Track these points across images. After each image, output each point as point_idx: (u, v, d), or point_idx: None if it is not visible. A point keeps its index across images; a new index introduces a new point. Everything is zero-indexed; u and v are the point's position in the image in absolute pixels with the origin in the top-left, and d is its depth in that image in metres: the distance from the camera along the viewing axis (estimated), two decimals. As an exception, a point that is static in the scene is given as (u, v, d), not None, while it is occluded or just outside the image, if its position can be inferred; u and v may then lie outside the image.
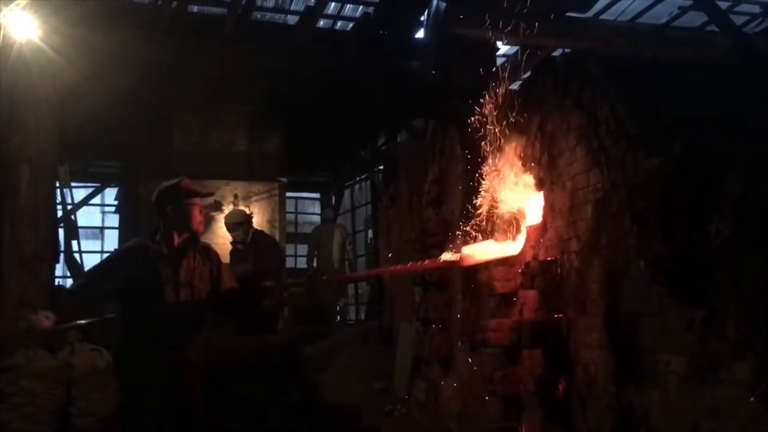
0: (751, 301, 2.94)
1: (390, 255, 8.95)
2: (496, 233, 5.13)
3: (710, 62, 7.35)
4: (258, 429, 6.00)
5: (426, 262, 5.77)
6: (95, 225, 15.11)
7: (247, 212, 8.31)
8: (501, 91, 5.17)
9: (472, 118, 5.64)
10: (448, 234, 6.69)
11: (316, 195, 16.02)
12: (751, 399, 2.88)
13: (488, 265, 5.28)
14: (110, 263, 4.12)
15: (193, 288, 3.94)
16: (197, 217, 4.04)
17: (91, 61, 6.59)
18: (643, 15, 8.80)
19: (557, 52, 8.13)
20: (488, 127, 5.31)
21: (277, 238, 10.42)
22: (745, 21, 8.71)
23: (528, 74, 5.58)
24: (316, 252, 11.87)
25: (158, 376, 3.80)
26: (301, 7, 8.61)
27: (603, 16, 8.90)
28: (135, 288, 3.84)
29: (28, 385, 5.53)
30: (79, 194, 12.20)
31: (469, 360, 5.97)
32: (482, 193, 5.23)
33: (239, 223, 7.81)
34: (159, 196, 4.05)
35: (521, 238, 4.99)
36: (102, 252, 13.95)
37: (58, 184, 7.33)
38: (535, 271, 4.71)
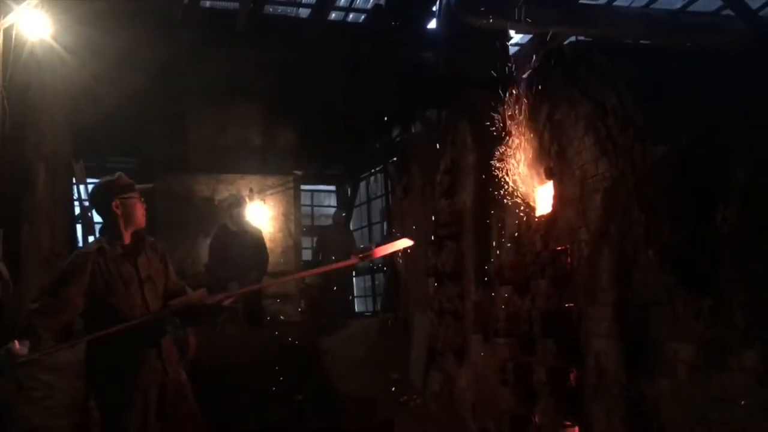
0: (758, 288, 2.92)
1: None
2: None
3: (725, 47, 7.27)
4: (275, 423, 6.06)
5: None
6: (113, 221, 15.23)
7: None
8: (512, 80, 5.16)
9: (484, 108, 5.64)
10: (460, 224, 6.70)
11: (332, 187, 16.04)
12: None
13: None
14: (71, 273, 3.79)
15: (154, 282, 3.92)
16: (140, 210, 3.96)
17: (103, 59, 6.66)
18: (658, 0, 8.71)
19: (571, 39, 8.08)
20: (499, 117, 5.32)
21: (292, 230, 10.51)
22: (761, 5, 8.58)
23: (538, 63, 5.56)
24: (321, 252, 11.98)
25: (139, 375, 3.76)
26: (312, 0, 8.62)
27: (617, 3, 8.82)
28: (100, 293, 3.74)
29: (46, 378, 5.61)
30: (98, 190, 12.31)
31: (482, 350, 5.99)
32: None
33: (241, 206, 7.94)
34: (101, 194, 3.98)
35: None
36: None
37: (74, 181, 7.40)
38: (546, 260, 4.70)
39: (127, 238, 3.92)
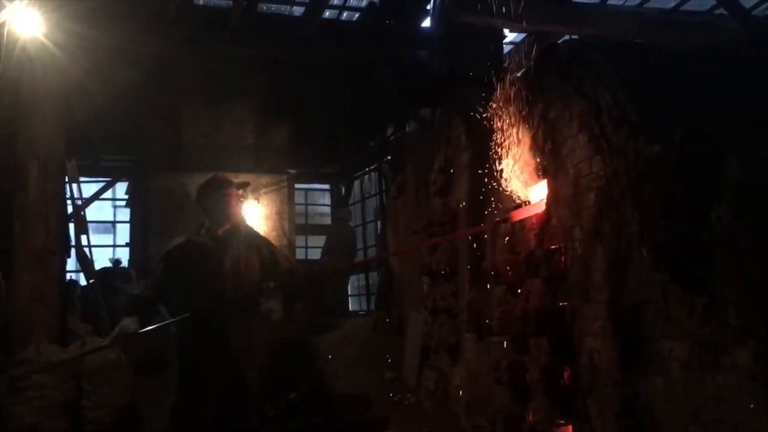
0: (751, 287, 2.92)
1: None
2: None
3: (718, 47, 7.28)
4: (269, 419, 6.04)
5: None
6: (107, 219, 15.20)
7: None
8: (506, 79, 5.16)
9: (478, 107, 5.63)
10: (454, 223, 6.70)
11: (326, 186, 16.01)
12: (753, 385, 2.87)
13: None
14: (168, 265, 4.13)
15: (239, 277, 4.07)
16: (233, 207, 4.20)
17: (96, 56, 6.62)
18: (651, -1, 8.72)
19: (565, 38, 8.08)
20: (493, 115, 5.31)
21: (285, 229, 10.50)
22: (755, 4, 8.59)
23: (532, 62, 5.56)
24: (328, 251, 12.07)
25: (211, 363, 3.93)
26: (306, -2, 8.59)
27: (611, 2, 8.81)
28: (186, 283, 3.99)
29: (40, 378, 5.60)
30: (91, 189, 12.28)
31: (477, 349, 5.99)
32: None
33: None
34: (198, 193, 4.28)
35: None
36: (114, 246, 14.03)
37: (66, 179, 7.36)
38: (540, 259, 4.70)
39: (219, 233, 4.13)
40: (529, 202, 5.03)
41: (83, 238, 8.29)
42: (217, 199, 4.18)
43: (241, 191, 4.44)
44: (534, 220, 4.98)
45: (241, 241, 4.16)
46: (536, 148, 4.93)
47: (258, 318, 4.26)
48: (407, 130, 11.10)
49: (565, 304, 4.46)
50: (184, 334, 4.04)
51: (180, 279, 4.02)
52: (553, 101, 4.72)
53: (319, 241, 14.10)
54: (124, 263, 10.86)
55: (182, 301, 4.00)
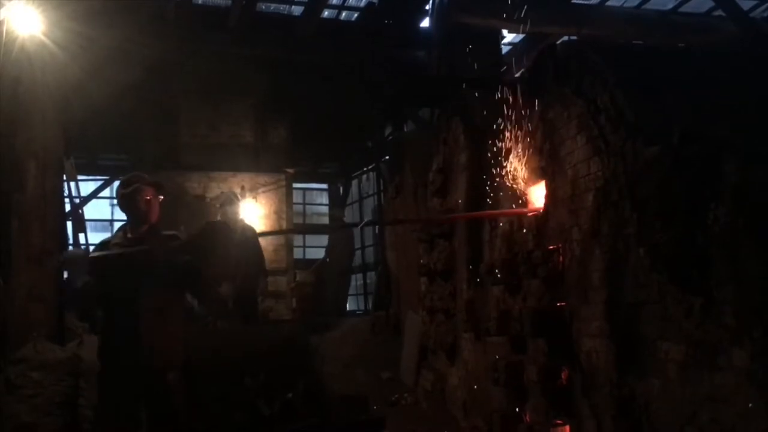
0: (748, 288, 2.93)
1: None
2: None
3: (716, 48, 7.30)
4: (264, 419, 6.04)
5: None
6: (104, 218, 15.16)
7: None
8: (505, 80, 5.16)
9: (476, 108, 5.65)
10: (452, 223, 6.69)
11: (324, 186, 16.03)
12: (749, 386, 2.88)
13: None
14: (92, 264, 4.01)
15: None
16: (141, 206, 3.94)
17: (95, 55, 6.59)
18: (650, 1, 8.73)
19: (564, 39, 8.09)
20: (491, 116, 5.32)
21: (283, 228, 10.49)
22: (753, 6, 8.61)
23: (530, 63, 5.56)
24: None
25: (128, 364, 3.80)
26: (305, -3, 8.60)
27: (609, 3, 8.83)
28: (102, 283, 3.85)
29: (37, 376, 5.57)
30: (89, 187, 12.28)
31: (474, 349, 5.99)
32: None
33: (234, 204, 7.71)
34: (116, 195, 4.12)
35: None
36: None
37: (65, 178, 7.35)
38: (538, 259, 4.70)
39: (133, 233, 3.95)
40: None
41: (81, 236, 8.29)
42: (128, 199, 3.95)
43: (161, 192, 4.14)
44: (531, 221, 4.99)
45: (153, 244, 3.95)
46: (534, 148, 4.93)
47: (177, 317, 4.04)
48: (405, 130, 11.10)
49: (563, 304, 4.47)
50: (103, 339, 4.00)
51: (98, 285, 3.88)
52: (551, 102, 4.72)
53: (317, 240, 14.15)
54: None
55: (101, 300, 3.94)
